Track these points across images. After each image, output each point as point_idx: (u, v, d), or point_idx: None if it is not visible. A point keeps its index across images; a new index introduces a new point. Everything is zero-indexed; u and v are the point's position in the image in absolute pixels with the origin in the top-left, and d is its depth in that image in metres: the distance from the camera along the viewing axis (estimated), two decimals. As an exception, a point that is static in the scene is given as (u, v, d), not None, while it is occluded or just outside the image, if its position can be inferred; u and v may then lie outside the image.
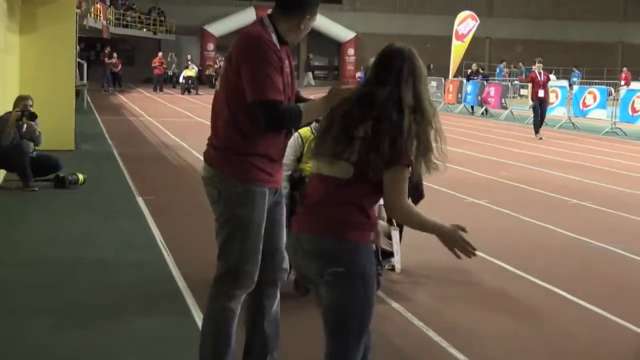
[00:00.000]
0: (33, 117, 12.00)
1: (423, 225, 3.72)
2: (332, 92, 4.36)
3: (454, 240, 3.65)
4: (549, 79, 25.01)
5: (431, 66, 40.20)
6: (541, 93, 23.54)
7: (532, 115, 24.42)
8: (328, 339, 3.82)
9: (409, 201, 3.75)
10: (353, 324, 3.76)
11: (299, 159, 7.37)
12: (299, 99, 4.82)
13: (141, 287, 7.32)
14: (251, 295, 4.81)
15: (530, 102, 24.12)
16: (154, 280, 7.56)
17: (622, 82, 38.08)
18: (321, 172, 3.84)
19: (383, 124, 3.71)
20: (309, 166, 7.15)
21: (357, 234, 3.73)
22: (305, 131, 7.35)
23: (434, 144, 3.80)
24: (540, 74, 23.72)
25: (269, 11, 4.75)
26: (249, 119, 4.51)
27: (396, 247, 7.42)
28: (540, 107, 23.61)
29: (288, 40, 4.68)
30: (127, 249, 8.68)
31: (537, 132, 23.58)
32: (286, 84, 4.59)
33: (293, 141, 7.27)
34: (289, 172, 7.25)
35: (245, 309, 4.88)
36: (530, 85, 24.15)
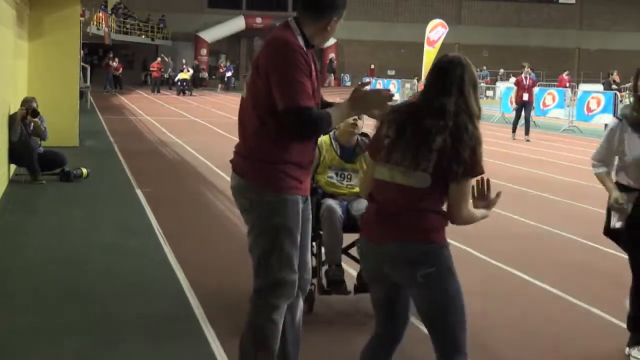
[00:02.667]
0: (35, 113, 11.99)
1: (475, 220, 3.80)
2: (358, 96, 4.09)
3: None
4: (534, 84, 24.31)
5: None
6: (525, 96, 22.62)
7: (514, 116, 23.47)
8: (435, 336, 3.75)
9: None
10: (452, 314, 3.70)
11: (315, 168, 6.36)
12: (323, 103, 4.37)
13: (140, 271, 7.35)
14: None
15: (514, 105, 23.27)
16: (152, 264, 7.59)
17: (568, 85, 37.76)
18: (396, 181, 3.66)
19: (461, 134, 3.56)
20: (322, 177, 6.39)
21: (440, 235, 3.67)
22: (324, 139, 6.42)
23: None
24: (526, 78, 22.83)
25: (295, 14, 4.28)
26: (279, 126, 4.02)
27: None
28: (524, 110, 22.77)
29: (315, 44, 4.21)
30: (128, 236, 8.69)
31: (514, 131, 22.83)
32: (315, 89, 4.11)
33: None
34: None
35: None
36: (515, 88, 23.35)
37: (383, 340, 3.97)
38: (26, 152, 11.93)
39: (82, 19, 22.69)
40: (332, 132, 6.33)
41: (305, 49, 4.08)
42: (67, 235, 8.77)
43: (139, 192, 11.50)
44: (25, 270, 7.30)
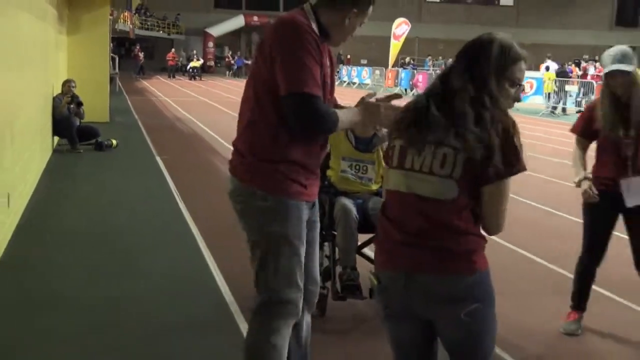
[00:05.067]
0: (79, 105, 12.15)
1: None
2: (371, 108, 2.98)
3: None
4: None
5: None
6: None
7: None
8: None
9: None
10: (489, 345, 2.51)
11: (325, 161, 4.91)
12: (336, 107, 3.10)
13: (160, 227, 7.26)
14: None
15: None
16: (169, 220, 7.52)
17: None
18: (414, 191, 2.39)
19: (485, 123, 2.33)
20: (334, 173, 4.99)
21: (483, 260, 2.45)
22: None
23: None
24: None
25: (312, 1, 3.01)
26: (281, 117, 2.85)
27: None
28: None
29: (331, 37, 2.98)
30: (149, 197, 8.63)
31: None
32: (325, 83, 2.92)
33: None
34: None
35: None
36: None
37: None
38: (67, 126, 11.97)
39: (111, 17, 22.33)
40: None
41: (319, 34, 2.90)
42: (101, 194, 8.70)
43: (158, 159, 11.44)
44: (64, 228, 7.22)
